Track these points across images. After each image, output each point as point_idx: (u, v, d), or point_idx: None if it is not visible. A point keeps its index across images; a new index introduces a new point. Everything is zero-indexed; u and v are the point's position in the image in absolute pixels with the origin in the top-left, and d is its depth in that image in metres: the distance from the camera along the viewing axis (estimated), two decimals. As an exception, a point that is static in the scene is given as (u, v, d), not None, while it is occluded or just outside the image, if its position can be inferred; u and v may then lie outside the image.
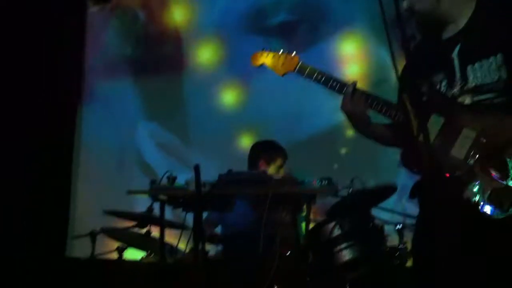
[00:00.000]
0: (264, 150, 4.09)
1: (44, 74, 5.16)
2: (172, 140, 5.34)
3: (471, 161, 1.94)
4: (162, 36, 5.49)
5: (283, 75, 2.39)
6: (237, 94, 5.21)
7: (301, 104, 5.08)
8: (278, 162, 4.04)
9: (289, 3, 5.25)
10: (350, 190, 3.59)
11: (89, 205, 5.34)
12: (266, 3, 5.30)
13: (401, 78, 1.82)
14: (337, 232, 3.27)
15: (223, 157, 4.80)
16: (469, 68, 2.01)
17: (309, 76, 2.32)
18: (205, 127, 5.21)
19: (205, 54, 5.37)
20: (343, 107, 2.23)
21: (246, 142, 4.25)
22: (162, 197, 3.02)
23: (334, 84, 2.26)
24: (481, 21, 2.04)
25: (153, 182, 2.99)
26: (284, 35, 5.25)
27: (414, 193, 2.11)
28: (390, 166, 4.38)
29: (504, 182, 1.90)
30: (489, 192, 1.91)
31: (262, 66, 2.46)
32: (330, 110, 4.85)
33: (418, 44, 2.19)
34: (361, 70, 5.07)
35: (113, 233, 3.54)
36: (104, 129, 5.43)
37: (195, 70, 5.38)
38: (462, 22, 2.07)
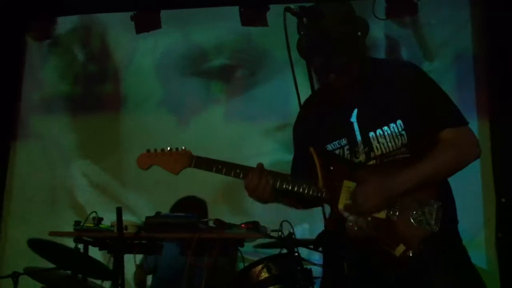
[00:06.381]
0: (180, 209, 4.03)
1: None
2: (107, 179, 5.27)
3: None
4: (101, 75, 5.49)
5: (178, 173, 2.18)
6: (175, 135, 5.22)
7: (239, 145, 5.14)
8: None
9: (229, 49, 5.35)
10: (280, 233, 3.66)
11: (19, 244, 5.18)
12: (207, 46, 5.38)
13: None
14: (264, 275, 3.31)
15: (158, 198, 4.77)
16: (371, 135, 2.06)
17: (208, 168, 2.15)
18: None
19: (144, 94, 5.39)
20: (248, 192, 2.13)
21: (182, 183, 4.23)
22: (87, 238, 2.98)
23: (238, 171, 2.14)
24: (374, 87, 2.10)
25: (77, 223, 2.96)
26: (224, 78, 5.36)
27: (318, 245, 2.17)
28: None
29: None
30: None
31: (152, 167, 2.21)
32: (268, 151, 4.95)
33: (317, 108, 2.18)
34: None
35: (36, 274, 3.42)
36: (38, 166, 5.33)
37: (133, 110, 5.38)
38: (356, 88, 2.10)
